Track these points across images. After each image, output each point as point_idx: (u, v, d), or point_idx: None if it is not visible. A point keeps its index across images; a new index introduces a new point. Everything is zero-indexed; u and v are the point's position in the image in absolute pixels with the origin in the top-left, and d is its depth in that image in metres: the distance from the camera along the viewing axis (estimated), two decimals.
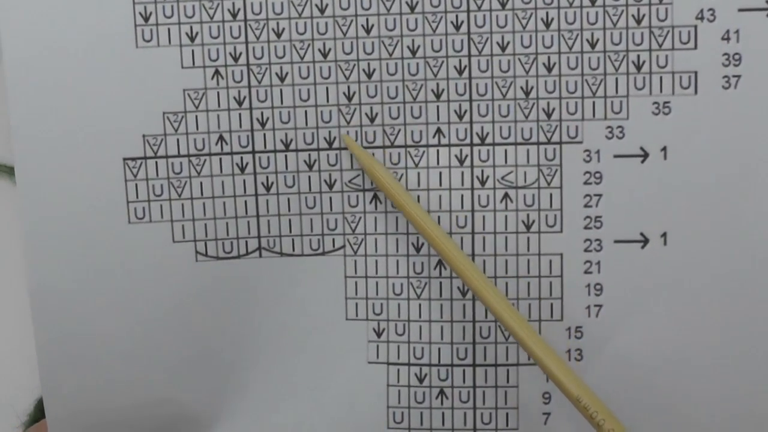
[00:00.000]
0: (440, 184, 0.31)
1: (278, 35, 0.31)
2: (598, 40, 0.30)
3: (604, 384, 0.30)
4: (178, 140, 0.31)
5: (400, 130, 0.31)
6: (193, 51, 0.31)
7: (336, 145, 0.31)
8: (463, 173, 0.31)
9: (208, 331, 0.32)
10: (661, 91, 0.30)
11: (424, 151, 0.31)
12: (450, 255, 0.29)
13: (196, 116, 0.31)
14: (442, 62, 0.31)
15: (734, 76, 0.30)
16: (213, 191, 0.31)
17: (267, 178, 0.31)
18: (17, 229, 0.31)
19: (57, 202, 0.31)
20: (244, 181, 0.31)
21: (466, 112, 0.31)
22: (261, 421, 0.32)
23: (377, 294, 0.31)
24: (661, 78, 0.30)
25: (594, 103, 0.30)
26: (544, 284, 0.31)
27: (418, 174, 0.31)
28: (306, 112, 0.31)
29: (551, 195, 0.31)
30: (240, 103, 0.31)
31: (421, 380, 0.32)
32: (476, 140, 0.31)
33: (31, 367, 0.32)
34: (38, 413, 0.36)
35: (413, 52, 0.31)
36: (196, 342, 0.32)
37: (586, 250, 0.31)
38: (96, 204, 0.31)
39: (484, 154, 0.31)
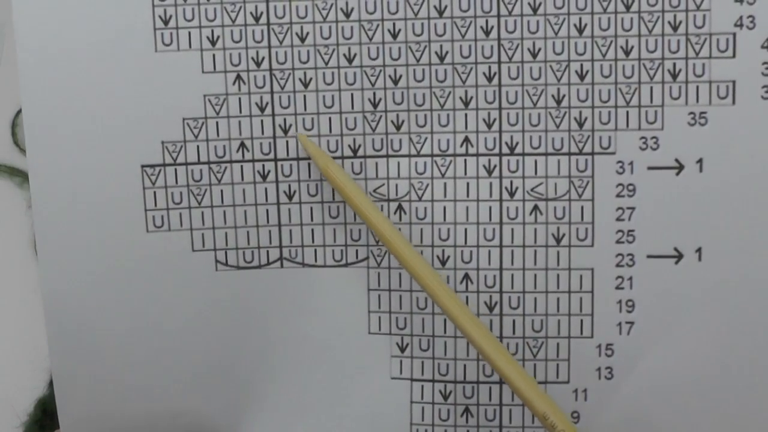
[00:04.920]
0: (467, 195, 0.30)
1: (302, 40, 0.30)
2: (632, 47, 0.29)
3: (635, 403, 0.30)
4: (198, 147, 0.30)
5: (426, 139, 0.30)
6: (214, 55, 0.30)
7: (360, 153, 0.30)
8: (491, 184, 0.30)
9: (228, 342, 0.31)
10: (697, 101, 0.29)
11: (451, 161, 0.30)
12: (410, 263, 0.29)
13: (217, 122, 0.30)
14: (471, 69, 0.30)
15: None
16: (234, 199, 0.30)
17: (289, 186, 0.30)
18: (17, 229, 0.31)
19: (72, 210, 0.30)
20: (266, 189, 0.30)
21: (495, 120, 0.30)
22: None
23: (401, 308, 0.31)
24: (697, 87, 0.29)
25: (628, 112, 0.29)
26: (574, 300, 0.30)
27: (445, 184, 0.30)
28: (330, 119, 0.30)
29: (582, 207, 0.30)
30: (262, 110, 0.30)
31: (445, 397, 0.31)
32: (505, 150, 0.30)
33: (32, 367, 0.32)
34: (38, 413, 0.36)
35: (441, 58, 0.30)
36: (214, 353, 0.31)
37: (618, 265, 0.30)
38: (113, 212, 0.30)
39: (514, 165, 0.30)
